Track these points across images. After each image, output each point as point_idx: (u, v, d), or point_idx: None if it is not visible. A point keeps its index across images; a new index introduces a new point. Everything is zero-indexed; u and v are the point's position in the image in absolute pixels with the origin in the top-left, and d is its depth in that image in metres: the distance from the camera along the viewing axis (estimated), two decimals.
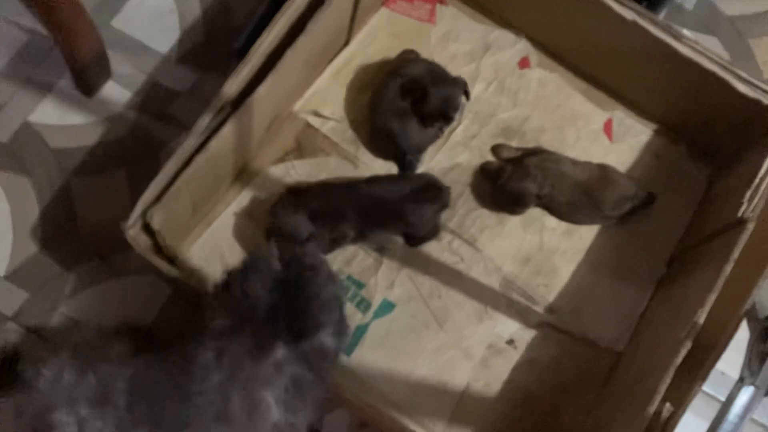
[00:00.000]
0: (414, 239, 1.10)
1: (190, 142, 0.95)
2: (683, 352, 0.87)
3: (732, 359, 0.88)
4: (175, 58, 1.21)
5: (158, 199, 0.93)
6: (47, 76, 1.17)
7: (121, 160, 1.14)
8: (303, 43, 1.01)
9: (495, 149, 1.18)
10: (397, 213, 1.05)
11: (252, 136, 1.06)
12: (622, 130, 1.21)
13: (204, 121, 0.96)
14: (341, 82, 1.19)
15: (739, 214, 0.97)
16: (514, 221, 1.15)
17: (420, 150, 1.14)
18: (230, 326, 0.78)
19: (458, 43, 1.23)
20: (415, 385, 1.06)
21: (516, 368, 1.08)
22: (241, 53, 1.11)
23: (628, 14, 1.07)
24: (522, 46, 1.24)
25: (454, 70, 1.17)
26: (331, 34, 1.13)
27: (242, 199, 1.10)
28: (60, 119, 1.15)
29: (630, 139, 1.21)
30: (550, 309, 1.11)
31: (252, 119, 1.01)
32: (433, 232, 1.10)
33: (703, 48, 1.06)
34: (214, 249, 1.07)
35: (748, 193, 0.98)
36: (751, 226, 0.95)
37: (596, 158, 1.17)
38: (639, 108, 1.22)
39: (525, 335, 1.09)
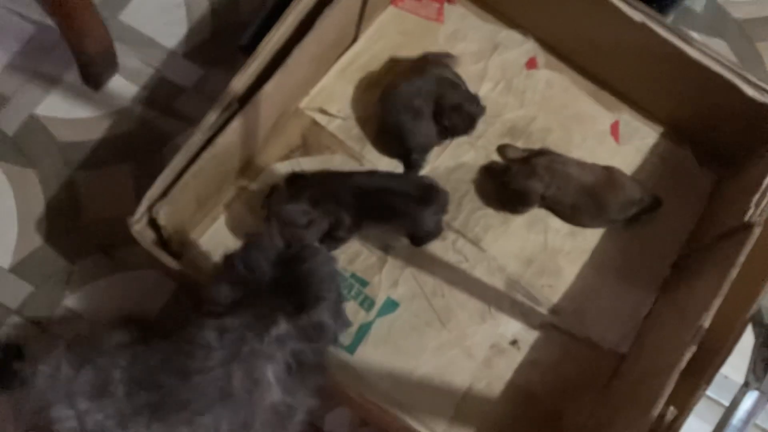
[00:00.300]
0: (417, 239, 1.10)
1: (196, 138, 0.95)
2: (688, 356, 0.87)
3: (736, 363, 0.88)
4: (182, 52, 1.20)
5: (164, 194, 0.93)
6: (54, 69, 1.17)
7: (126, 154, 1.14)
8: (311, 40, 1.01)
9: (501, 149, 1.17)
10: (393, 208, 1.05)
11: (258, 132, 1.06)
12: (629, 132, 1.21)
13: (211, 118, 0.96)
14: (348, 80, 1.19)
15: (746, 218, 0.97)
16: (518, 221, 1.15)
17: (426, 149, 1.14)
18: (232, 302, 0.79)
19: (466, 43, 1.23)
20: (417, 383, 1.06)
21: (519, 369, 1.08)
22: (247, 49, 1.11)
23: (637, 16, 1.07)
24: (530, 47, 1.24)
25: (461, 69, 1.17)
26: (339, 32, 1.13)
27: (247, 195, 1.10)
28: (66, 112, 1.15)
29: (636, 141, 1.21)
30: (554, 310, 1.11)
31: (259, 116, 1.01)
32: (435, 233, 1.10)
33: (711, 51, 1.06)
34: (218, 244, 1.07)
35: (755, 198, 0.98)
36: (757, 231, 0.94)
37: (602, 160, 1.17)
38: (646, 110, 1.22)
39: (528, 336, 1.09)
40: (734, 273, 0.91)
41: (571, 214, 1.14)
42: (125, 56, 1.18)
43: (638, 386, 0.96)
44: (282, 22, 1.00)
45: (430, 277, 1.10)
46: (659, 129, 1.22)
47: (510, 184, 1.11)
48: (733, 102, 1.07)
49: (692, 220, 1.16)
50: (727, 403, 0.85)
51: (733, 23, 1.34)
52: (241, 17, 1.23)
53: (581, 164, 1.13)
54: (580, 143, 1.19)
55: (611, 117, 1.22)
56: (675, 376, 0.87)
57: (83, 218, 1.10)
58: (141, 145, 1.14)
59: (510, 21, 1.25)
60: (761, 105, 1.05)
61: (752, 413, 0.80)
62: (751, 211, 0.97)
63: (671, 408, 0.85)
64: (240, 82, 0.97)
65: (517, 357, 1.08)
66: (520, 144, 1.18)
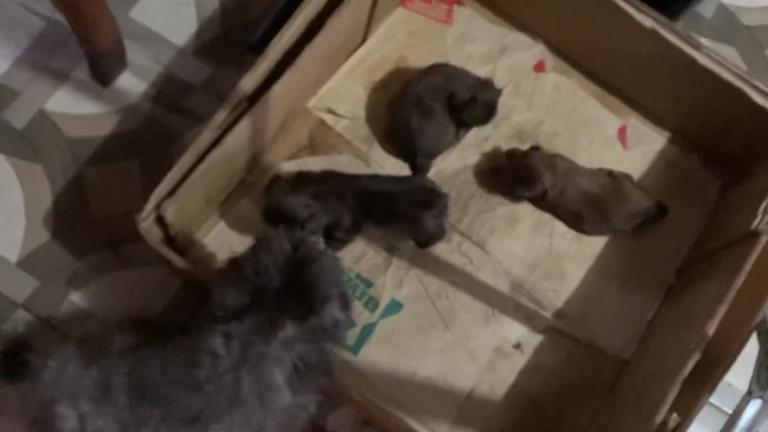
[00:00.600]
0: (422, 241, 1.10)
1: (205, 137, 0.95)
2: (692, 363, 0.87)
3: (739, 371, 0.88)
4: (191, 50, 1.21)
5: (172, 192, 0.94)
6: (63, 64, 1.17)
7: (134, 151, 1.14)
8: (321, 40, 1.01)
9: (508, 153, 1.17)
10: (394, 211, 1.04)
11: (266, 132, 1.07)
12: (636, 138, 1.21)
13: (220, 116, 0.96)
14: (356, 80, 1.19)
15: (753, 226, 0.97)
16: (524, 224, 1.15)
17: (432, 154, 1.14)
18: (239, 307, 0.78)
19: (474, 45, 1.23)
20: (420, 385, 1.06)
21: (522, 372, 1.08)
22: (256, 48, 1.11)
23: (647, 22, 1.07)
24: (538, 50, 1.24)
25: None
26: (349, 33, 1.13)
27: (254, 194, 1.10)
28: (75, 108, 1.16)
29: (643, 146, 1.21)
30: (558, 314, 1.11)
31: (267, 115, 1.01)
32: (438, 236, 1.10)
33: (720, 58, 1.06)
34: (224, 243, 1.08)
35: (763, 206, 0.97)
36: (764, 239, 0.94)
37: (609, 164, 1.17)
38: (654, 116, 1.22)
39: (532, 339, 1.09)
40: (740, 281, 0.91)
41: (574, 221, 1.13)
42: (134, 53, 1.18)
43: (641, 392, 0.96)
44: (292, 22, 1.00)
45: (434, 278, 1.11)
46: (666, 135, 1.22)
47: (526, 159, 1.10)
48: (741, 109, 1.07)
49: (698, 227, 1.16)
50: (730, 411, 0.85)
51: (743, 30, 1.33)
52: (250, 16, 1.23)
53: (590, 173, 1.13)
54: (587, 147, 1.19)
55: (619, 122, 1.22)
56: (678, 383, 0.87)
57: (90, 214, 1.11)
58: (149, 142, 1.15)
59: (519, 24, 1.25)
60: None
61: (755, 422, 0.80)
62: (757, 220, 0.97)
63: (674, 415, 0.85)
64: (249, 81, 0.98)
65: (520, 360, 1.08)
66: (526, 147, 1.18)
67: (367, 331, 1.07)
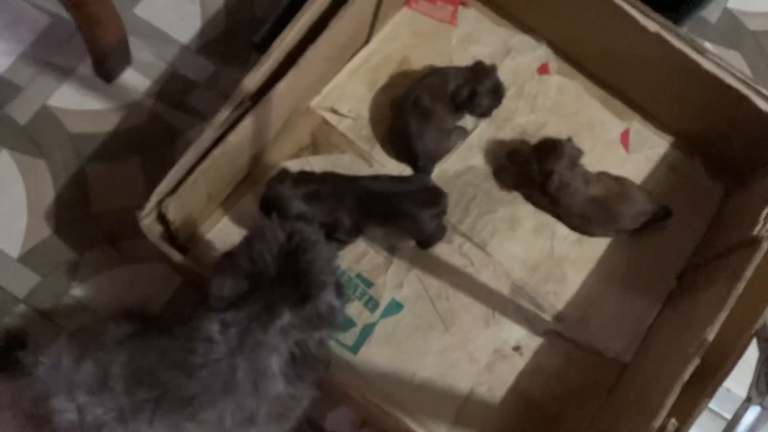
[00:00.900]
0: (423, 241, 1.10)
1: (208, 135, 0.95)
2: (691, 368, 0.87)
3: (738, 376, 0.88)
4: (195, 48, 1.21)
5: (174, 189, 0.94)
6: (68, 60, 1.18)
7: (137, 148, 1.14)
8: (325, 40, 1.01)
9: (511, 154, 1.17)
10: (394, 211, 1.04)
11: (269, 131, 1.07)
12: (639, 141, 1.21)
13: (223, 115, 0.96)
14: (359, 80, 1.19)
15: (754, 232, 0.96)
16: (525, 226, 1.15)
17: (433, 158, 1.14)
18: (236, 295, 0.79)
19: (479, 46, 1.23)
20: (419, 386, 1.06)
21: (521, 374, 1.08)
22: (260, 47, 1.12)
23: (652, 26, 1.06)
24: (542, 52, 1.24)
25: None
26: (353, 32, 1.13)
27: (255, 192, 1.10)
28: (78, 104, 1.16)
29: (646, 150, 1.21)
30: (558, 317, 1.11)
31: (270, 114, 1.01)
32: (438, 235, 1.10)
33: (724, 63, 1.06)
34: (225, 241, 1.08)
35: (764, 212, 0.97)
36: (765, 246, 0.94)
37: (611, 168, 1.17)
38: (657, 119, 1.22)
39: (531, 342, 1.09)
40: (741, 287, 0.91)
41: (580, 223, 1.13)
42: (138, 50, 1.18)
43: (640, 396, 0.96)
44: (296, 21, 1.00)
45: (435, 279, 1.11)
46: (669, 139, 1.21)
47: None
48: (745, 115, 1.07)
49: (700, 232, 1.16)
50: (728, 416, 0.86)
51: (748, 35, 1.33)
52: (255, 14, 1.23)
53: (596, 177, 1.12)
54: (590, 150, 1.18)
55: (622, 125, 1.22)
56: (677, 388, 0.87)
57: (92, 210, 1.11)
58: (152, 138, 1.15)
59: (523, 26, 1.25)
60: None
61: (754, 428, 0.81)
62: (759, 226, 0.97)
63: (672, 420, 0.85)
64: (253, 80, 0.98)
65: (519, 363, 1.08)
66: (528, 148, 1.18)
67: (367, 330, 1.07)
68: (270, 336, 0.78)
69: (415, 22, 1.23)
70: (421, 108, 1.10)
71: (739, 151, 1.14)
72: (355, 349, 1.06)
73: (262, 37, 1.17)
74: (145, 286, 1.07)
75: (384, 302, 1.09)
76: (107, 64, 1.15)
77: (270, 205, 1.00)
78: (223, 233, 1.08)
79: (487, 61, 1.21)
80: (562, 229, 1.15)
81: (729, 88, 1.05)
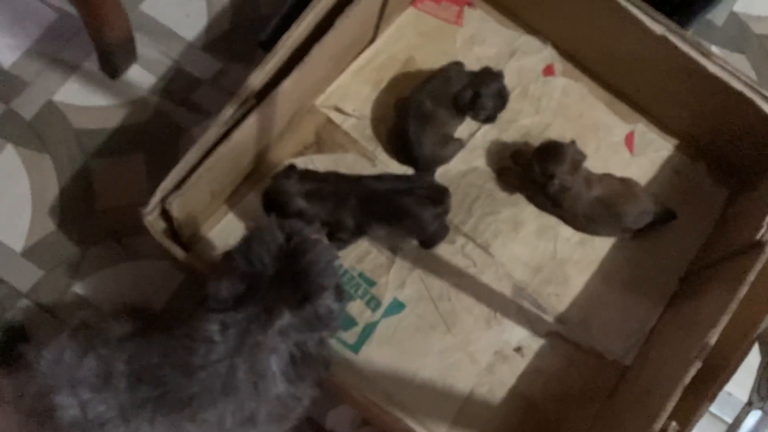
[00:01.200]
0: (425, 241, 1.10)
1: (212, 132, 0.96)
2: (693, 372, 0.87)
3: (739, 380, 0.88)
4: (201, 45, 1.21)
5: (178, 186, 0.94)
6: (73, 56, 1.18)
7: (141, 144, 1.15)
8: (330, 39, 1.01)
9: (514, 155, 1.17)
10: (397, 210, 1.04)
11: (274, 128, 1.07)
12: (644, 144, 1.21)
13: (228, 112, 0.96)
14: (364, 79, 1.19)
15: (758, 236, 0.96)
16: (528, 228, 1.15)
17: (431, 164, 1.13)
18: (235, 297, 0.79)
19: (484, 47, 1.23)
20: (420, 386, 1.06)
21: (522, 376, 1.08)
22: (266, 45, 1.12)
23: (658, 29, 1.06)
24: (547, 54, 1.24)
25: None
26: (358, 31, 1.13)
27: (259, 190, 1.10)
28: (84, 100, 1.16)
29: (651, 153, 1.21)
30: (560, 319, 1.11)
31: (275, 112, 1.02)
32: (441, 234, 1.10)
33: (730, 66, 1.05)
34: (228, 238, 1.08)
35: None
36: None
37: (616, 170, 1.16)
38: (662, 122, 1.21)
39: (533, 343, 1.09)
40: (743, 291, 0.91)
41: (584, 224, 1.13)
42: (144, 46, 1.18)
43: (641, 399, 0.96)
44: (302, 19, 1.00)
45: (437, 280, 1.11)
46: (674, 142, 1.21)
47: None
48: (750, 118, 1.06)
49: (703, 235, 1.15)
50: (729, 420, 0.85)
51: (754, 38, 1.33)
52: (260, 12, 1.23)
53: (599, 178, 1.12)
54: (594, 152, 1.19)
55: (626, 127, 1.22)
56: (679, 392, 0.87)
57: (96, 205, 1.11)
58: (156, 135, 1.15)
59: (529, 27, 1.24)
60: None
61: None
62: (763, 230, 0.96)
63: (673, 423, 0.85)
64: (258, 77, 0.98)
65: (520, 364, 1.08)
66: (531, 150, 1.17)
67: (369, 330, 1.07)
68: (269, 337, 0.78)
69: (420, 22, 1.23)
70: (423, 112, 1.10)
71: (744, 155, 1.14)
72: (356, 348, 1.06)
73: (268, 35, 1.17)
74: (147, 283, 1.08)
75: (386, 302, 1.09)
76: (113, 60, 1.15)
77: (272, 199, 1.01)
78: (227, 231, 1.08)
79: (492, 62, 1.21)
80: (564, 231, 1.15)
81: (734, 91, 1.05)
